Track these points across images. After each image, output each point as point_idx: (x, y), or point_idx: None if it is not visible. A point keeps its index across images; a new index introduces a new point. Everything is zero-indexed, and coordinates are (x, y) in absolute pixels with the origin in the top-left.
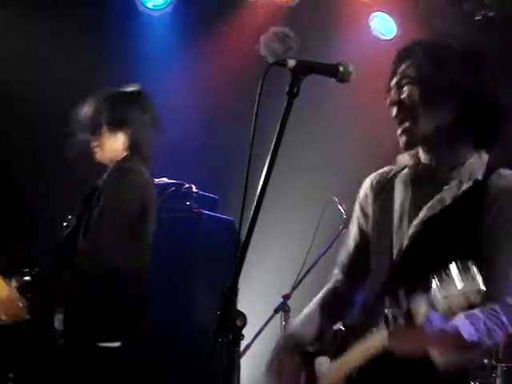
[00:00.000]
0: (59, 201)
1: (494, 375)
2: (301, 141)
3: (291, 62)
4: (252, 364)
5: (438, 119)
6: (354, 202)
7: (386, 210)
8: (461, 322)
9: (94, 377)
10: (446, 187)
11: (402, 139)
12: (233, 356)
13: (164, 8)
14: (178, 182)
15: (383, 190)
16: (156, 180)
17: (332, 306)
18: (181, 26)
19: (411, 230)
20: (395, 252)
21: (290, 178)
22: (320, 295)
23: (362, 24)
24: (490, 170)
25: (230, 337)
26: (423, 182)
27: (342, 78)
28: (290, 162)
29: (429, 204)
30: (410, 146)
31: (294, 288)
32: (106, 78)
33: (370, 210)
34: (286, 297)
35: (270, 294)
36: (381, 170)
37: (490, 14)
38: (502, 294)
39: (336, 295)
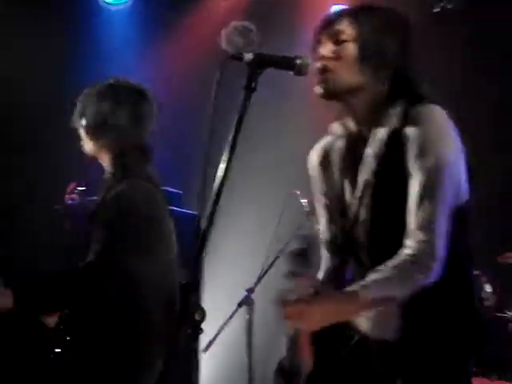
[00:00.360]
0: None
1: None
2: (263, 136)
3: (248, 56)
4: (216, 358)
5: (365, 79)
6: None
7: (331, 187)
8: (356, 284)
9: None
10: (368, 145)
11: (323, 86)
12: (192, 350)
13: (124, 2)
14: None
15: (326, 165)
16: None
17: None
18: (141, 21)
19: (354, 208)
20: (346, 230)
21: (253, 172)
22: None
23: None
24: (406, 114)
25: (189, 331)
26: (356, 150)
27: (300, 70)
28: (252, 156)
29: (362, 174)
30: (328, 95)
31: (258, 281)
32: (69, 76)
33: (321, 187)
34: (250, 290)
35: (234, 288)
36: (320, 144)
37: (449, 7)
38: (415, 227)
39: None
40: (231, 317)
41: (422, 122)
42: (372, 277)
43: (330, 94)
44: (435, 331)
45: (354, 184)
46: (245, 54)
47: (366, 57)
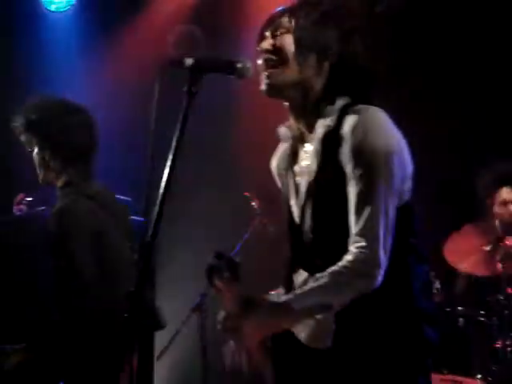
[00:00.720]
0: None
1: None
2: (212, 139)
3: (188, 61)
4: (170, 363)
5: (306, 72)
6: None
7: (283, 191)
8: (291, 293)
9: None
10: (306, 147)
11: (266, 82)
12: (144, 357)
13: (66, 10)
14: None
15: (279, 170)
16: None
17: None
18: (84, 27)
19: (297, 215)
20: (295, 234)
21: (203, 175)
22: None
23: None
24: (343, 112)
25: (139, 338)
26: (298, 152)
27: (241, 74)
28: (209, 155)
29: (303, 178)
30: (271, 90)
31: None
32: (11, 80)
33: (281, 191)
34: (204, 295)
35: (188, 293)
36: (278, 149)
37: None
38: (356, 233)
39: None
40: (184, 322)
41: (359, 122)
42: (309, 285)
43: (274, 90)
44: (370, 338)
45: (297, 187)
46: (185, 58)
47: (303, 48)
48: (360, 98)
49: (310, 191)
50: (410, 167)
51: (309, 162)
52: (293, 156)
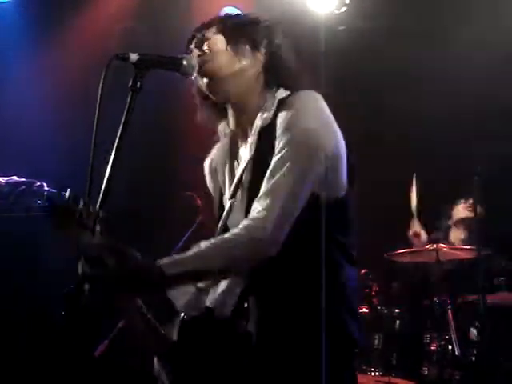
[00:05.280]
0: None
1: None
2: (154, 135)
3: (133, 56)
4: (112, 359)
5: (243, 62)
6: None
7: (216, 188)
8: (168, 258)
9: None
10: (248, 141)
11: (206, 81)
12: (82, 355)
13: (6, 1)
14: (28, 180)
15: (214, 168)
16: (5, 179)
17: None
18: (26, 20)
19: (228, 208)
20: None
21: (149, 173)
22: None
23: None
24: (281, 101)
25: (77, 336)
26: (235, 148)
27: (185, 71)
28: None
29: (238, 173)
30: (214, 86)
31: None
32: None
33: (212, 188)
34: None
35: None
36: (215, 147)
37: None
38: (258, 197)
39: None
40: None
41: (293, 104)
42: (190, 251)
43: (216, 85)
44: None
45: (232, 181)
46: (130, 54)
47: (235, 39)
48: (295, 87)
49: (243, 181)
50: (343, 158)
51: (246, 155)
52: (231, 151)
